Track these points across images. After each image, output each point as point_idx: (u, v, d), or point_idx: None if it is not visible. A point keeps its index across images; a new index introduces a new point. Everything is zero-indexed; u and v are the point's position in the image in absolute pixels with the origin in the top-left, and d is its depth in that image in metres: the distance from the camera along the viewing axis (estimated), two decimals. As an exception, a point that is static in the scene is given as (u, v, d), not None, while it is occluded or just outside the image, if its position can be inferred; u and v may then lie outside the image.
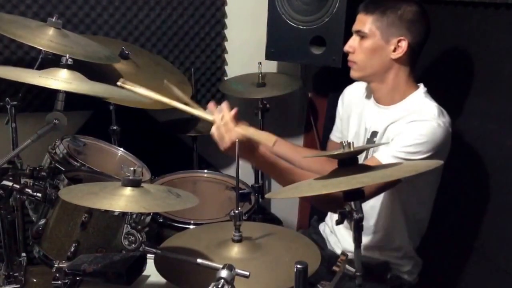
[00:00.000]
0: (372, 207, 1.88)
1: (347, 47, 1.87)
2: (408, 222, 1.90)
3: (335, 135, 2.16)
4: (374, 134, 1.88)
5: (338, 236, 2.01)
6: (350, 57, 1.87)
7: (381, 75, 1.84)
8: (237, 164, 1.48)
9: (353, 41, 1.86)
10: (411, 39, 1.79)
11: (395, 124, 1.81)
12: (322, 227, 2.17)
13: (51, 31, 1.96)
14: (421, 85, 1.88)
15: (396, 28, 1.78)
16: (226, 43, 2.81)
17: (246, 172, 2.96)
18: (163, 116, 2.76)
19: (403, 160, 1.66)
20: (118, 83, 1.72)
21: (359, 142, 1.93)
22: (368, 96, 1.97)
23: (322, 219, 2.20)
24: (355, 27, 1.86)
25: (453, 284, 2.13)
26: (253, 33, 2.78)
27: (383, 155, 1.71)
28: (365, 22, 1.81)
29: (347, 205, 1.33)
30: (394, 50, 1.80)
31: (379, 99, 1.91)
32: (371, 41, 1.81)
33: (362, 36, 1.82)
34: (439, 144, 1.72)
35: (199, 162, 2.78)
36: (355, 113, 2.01)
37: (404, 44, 1.79)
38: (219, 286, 1.15)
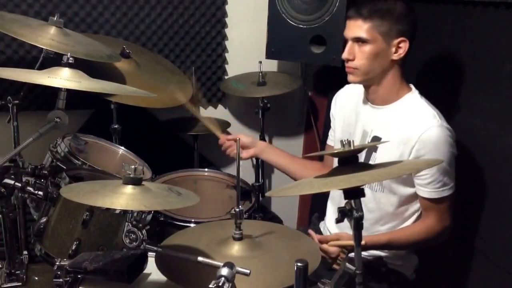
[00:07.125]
0: (370, 208, 1.89)
1: (346, 55, 1.85)
2: (406, 220, 1.91)
3: (332, 140, 2.16)
4: (376, 139, 1.89)
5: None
6: (350, 64, 1.85)
7: (380, 77, 1.86)
8: (238, 163, 1.49)
9: (352, 48, 1.84)
10: (409, 37, 1.81)
11: (398, 127, 1.82)
12: (322, 225, 2.18)
13: (52, 30, 1.96)
14: (413, 86, 1.90)
15: (395, 30, 1.79)
16: (226, 42, 2.82)
17: (246, 170, 2.97)
18: (164, 115, 2.77)
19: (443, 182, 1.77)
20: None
21: (356, 143, 1.93)
22: (362, 98, 1.98)
23: (322, 217, 2.20)
24: (352, 33, 1.83)
25: (452, 283, 2.14)
26: (254, 32, 2.79)
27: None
28: (363, 28, 1.80)
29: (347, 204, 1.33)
30: (396, 51, 1.81)
31: (374, 100, 1.92)
32: (374, 46, 1.80)
33: (363, 42, 1.81)
34: (454, 145, 1.79)
35: (199, 161, 2.78)
36: (351, 115, 2.02)
37: (405, 45, 1.80)
38: (220, 284, 1.15)
